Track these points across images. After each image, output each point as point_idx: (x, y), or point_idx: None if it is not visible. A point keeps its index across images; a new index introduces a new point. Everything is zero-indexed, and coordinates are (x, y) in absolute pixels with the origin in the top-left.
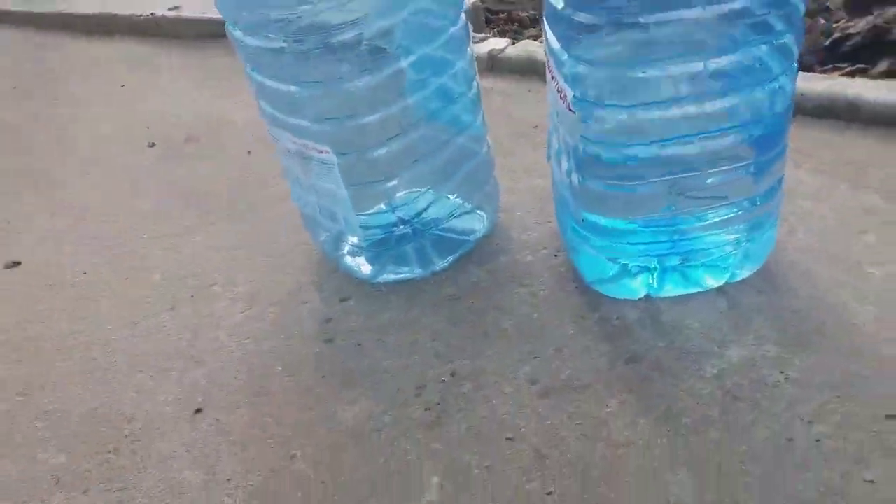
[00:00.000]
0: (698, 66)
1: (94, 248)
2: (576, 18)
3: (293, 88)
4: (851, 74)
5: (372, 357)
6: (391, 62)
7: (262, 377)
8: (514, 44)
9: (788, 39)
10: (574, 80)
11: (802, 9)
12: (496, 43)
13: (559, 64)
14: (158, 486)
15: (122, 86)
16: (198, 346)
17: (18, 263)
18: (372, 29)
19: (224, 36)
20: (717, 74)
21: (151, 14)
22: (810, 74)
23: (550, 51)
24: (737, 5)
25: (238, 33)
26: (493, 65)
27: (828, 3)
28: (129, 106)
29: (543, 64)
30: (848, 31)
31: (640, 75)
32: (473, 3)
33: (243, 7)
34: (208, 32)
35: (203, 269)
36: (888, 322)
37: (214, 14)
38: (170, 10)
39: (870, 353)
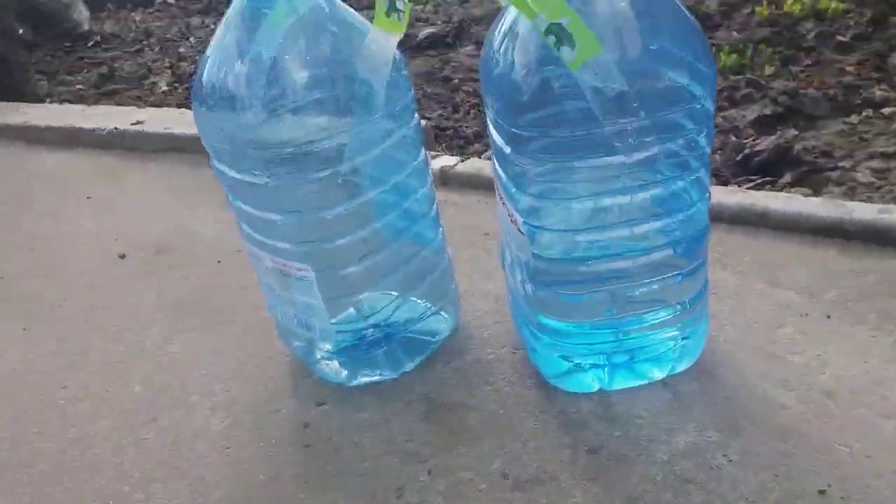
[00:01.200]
0: (626, 199)
1: (72, 360)
2: (518, 164)
3: (274, 216)
4: (761, 186)
5: (350, 460)
6: (362, 192)
7: (245, 485)
8: (463, 160)
9: (702, 174)
10: (522, 210)
11: (709, 151)
12: (447, 160)
13: (508, 194)
14: None
15: (89, 198)
16: (180, 457)
17: None
18: (345, 166)
19: (187, 150)
20: (642, 204)
21: (115, 128)
22: (726, 188)
23: (500, 182)
24: (654, 151)
25: (222, 167)
26: (445, 180)
27: (737, 123)
28: (98, 218)
29: (490, 178)
30: (756, 149)
31: (577, 206)
32: (425, 126)
33: (229, 146)
34: (172, 146)
35: (181, 378)
36: (808, 404)
37: (177, 129)
38: (133, 124)
39: (795, 434)
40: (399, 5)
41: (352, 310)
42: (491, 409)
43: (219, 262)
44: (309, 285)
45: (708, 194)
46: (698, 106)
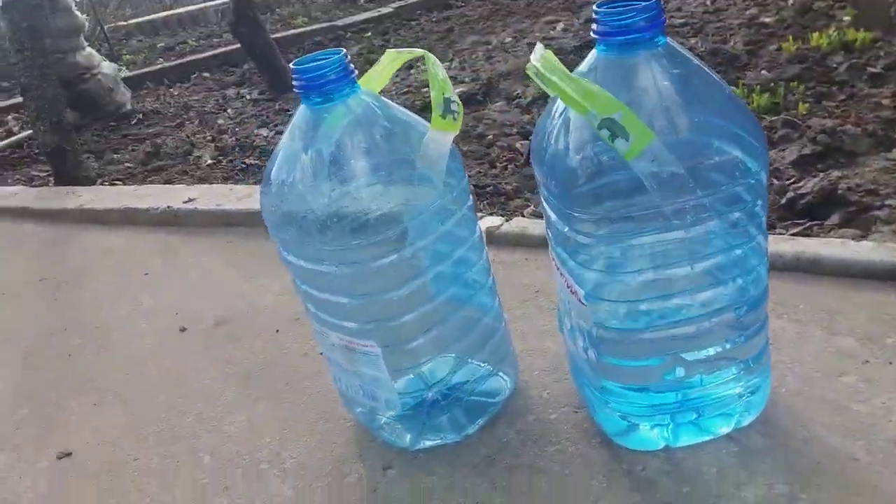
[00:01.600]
0: (686, 268)
1: (142, 437)
2: (577, 238)
3: (343, 300)
4: (808, 230)
5: None
6: (425, 271)
7: None
8: (507, 220)
9: (760, 240)
10: (583, 281)
11: (765, 217)
12: (491, 221)
13: (566, 266)
14: None
15: (146, 274)
16: None
17: (70, 454)
18: (409, 251)
19: (239, 224)
20: (703, 273)
21: (168, 207)
22: (775, 236)
23: (556, 254)
24: (712, 224)
25: (290, 257)
26: (491, 240)
27: (777, 164)
28: (157, 294)
29: (536, 236)
30: (800, 191)
31: (639, 279)
32: None
33: (297, 237)
34: (223, 222)
35: (249, 448)
36: (878, 455)
37: (228, 205)
38: (185, 202)
39: (865, 485)
40: (453, 107)
41: (412, 375)
42: (557, 470)
43: (277, 331)
44: (375, 360)
45: (766, 259)
46: (752, 180)
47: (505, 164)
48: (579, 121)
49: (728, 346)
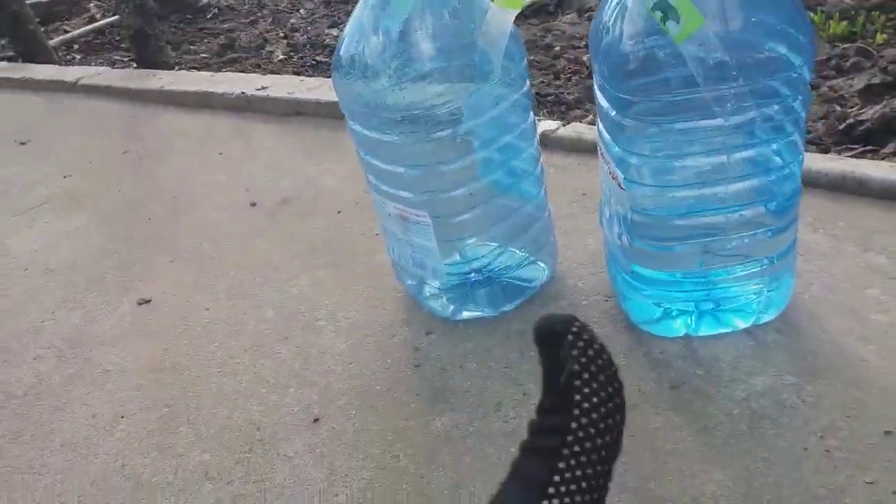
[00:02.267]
0: (723, 158)
1: (213, 291)
2: (623, 125)
3: (400, 169)
4: (862, 154)
5: (455, 380)
6: (475, 150)
7: (366, 394)
8: (564, 125)
9: (796, 137)
10: (623, 166)
11: (805, 115)
12: (548, 125)
13: (610, 152)
14: (289, 480)
15: (220, 154)
16: (310, 369)
17: (149, 301)
18: (463, 127)
19: (308, 114)
20: (738, 164)
21: (242, 93)
22: (826, 156)
23: (602, 140)
24: (751, 115)
25: (357, 126)
26: (547, 143)
27: (843, 92)
28: (229, 172)
29: (590, 142)
30: (860, 118)
31: (677, 164)
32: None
33: (363, 109)
34: (293, 110)
35: (309, 307)
36: (888, 359)
37: (299, 94)
38: (258, 90)
39: (870, 383)
40: None
41: (457, 255)
42: None
43: (339, 212)
44: (425, 229)
45: (801, 157)
46: (795, 74)
47: (569, 75)
48: (633, 9)
49: (755, 239)
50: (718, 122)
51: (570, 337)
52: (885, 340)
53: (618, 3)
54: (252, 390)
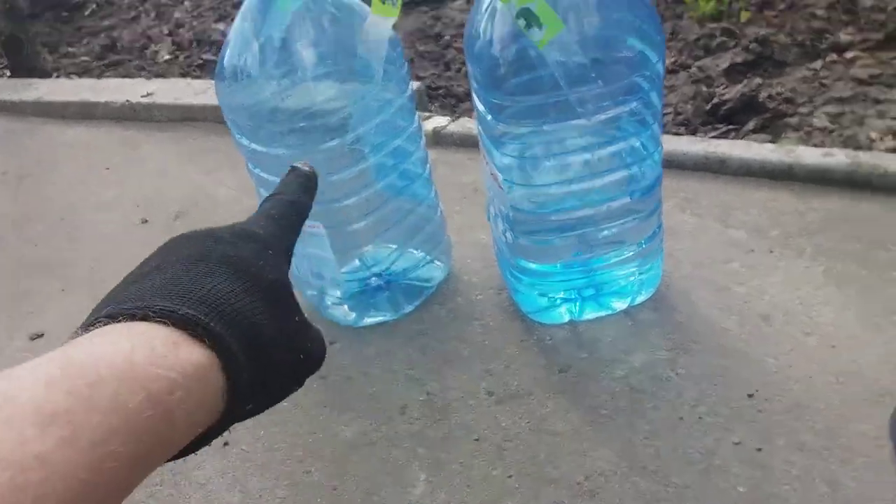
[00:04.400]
0: (589, 155)
1: None
2: (497, 128)
3: None
4: (725, 134)
5: (360, 387)
6: (366, 157)
7: (273, 412)
8: (454, 121)
9: (655, 129)
10: (502, 168)
11: (660, 107)
12: (438, 121)
13: (490, 155)
14: None
15: (107, 168)
16: None
17: (42, 335)
18: (350, 136)
19: (197, 119)
20: (604, 159)
21: (127, 101)
22: (691, 138)
23: (483, 144)
24: (611, 114)
25: (243, 139)
26: (438, 140)
27: (709, 72)
28: (118, 186)
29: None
30: (724, 98)
31: (548, 164)
32: (418, 87)
33: (249, 121)
34: (181, 116)
35: None
36: (747, 327)
37: (186, 100)
38: (143, 97)
39: (733, 351)
40: None
41: (357, 261)
42: (479, 340)
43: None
44: (320, 240)
45: (660, 147)
46: (649, 71)
47: (459, 66)
48: (502, 14)
49: (623, 227)
50: (583, 121)
51: None
52: (745, 310)
53: (486, 10)
54: None
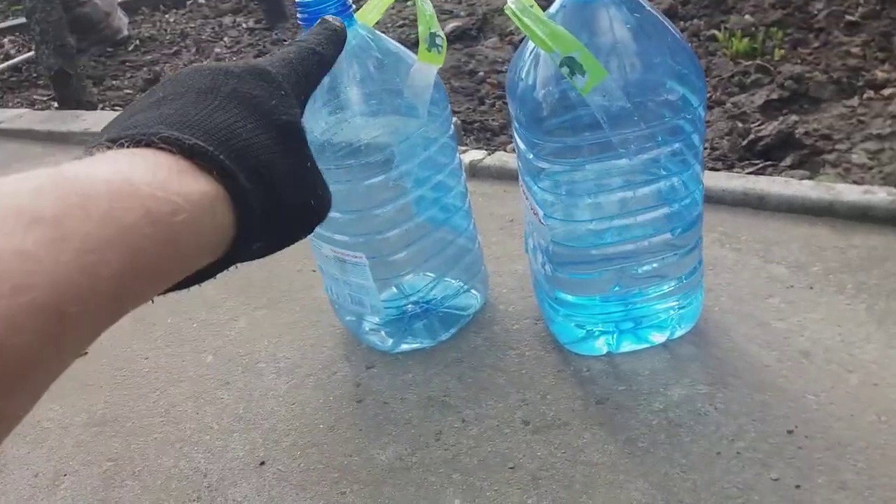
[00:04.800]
0: (630, 193)
1: (151, 339)
2: (539, 166)
3: (335, 214)
4: (763, 170)
5: (397, 411)
6: (408, 192)
7: (309, 433)
8: (490, 154)
9: (697, 168)
10: (542, 203)
11: (701, 147)
12: (475, 154)
13: (531, 191)
14: None
15: None
16: (252, 412)
17: (86, 353)
18: (395, 172)
19: None
20: (645, 197)
21: None
22: (729, 173)
23: (523, 180)
24: (654, 153)
25: None
26: (474, 172)
27: (745, 108)
28: None
29: (514, 169)
30: (760, 134)
31: (590, 201)
32: (454, 122)
33: None
34: None
35: (248, 349)
36: (787, 363)
37: None
38: None
39: (773, 386)
40: (438, 41)
41: (394, 289)
42: (515, 369)
43: None
44: (363, 270)
45: (702, 185)
46: (691, 114)
47: (493, 100)
48: (546, 59)
49: (664, 262)
50: (624, 161)
51: None
52: (784, 346)
53: (530, 54)
54: (196, 438)
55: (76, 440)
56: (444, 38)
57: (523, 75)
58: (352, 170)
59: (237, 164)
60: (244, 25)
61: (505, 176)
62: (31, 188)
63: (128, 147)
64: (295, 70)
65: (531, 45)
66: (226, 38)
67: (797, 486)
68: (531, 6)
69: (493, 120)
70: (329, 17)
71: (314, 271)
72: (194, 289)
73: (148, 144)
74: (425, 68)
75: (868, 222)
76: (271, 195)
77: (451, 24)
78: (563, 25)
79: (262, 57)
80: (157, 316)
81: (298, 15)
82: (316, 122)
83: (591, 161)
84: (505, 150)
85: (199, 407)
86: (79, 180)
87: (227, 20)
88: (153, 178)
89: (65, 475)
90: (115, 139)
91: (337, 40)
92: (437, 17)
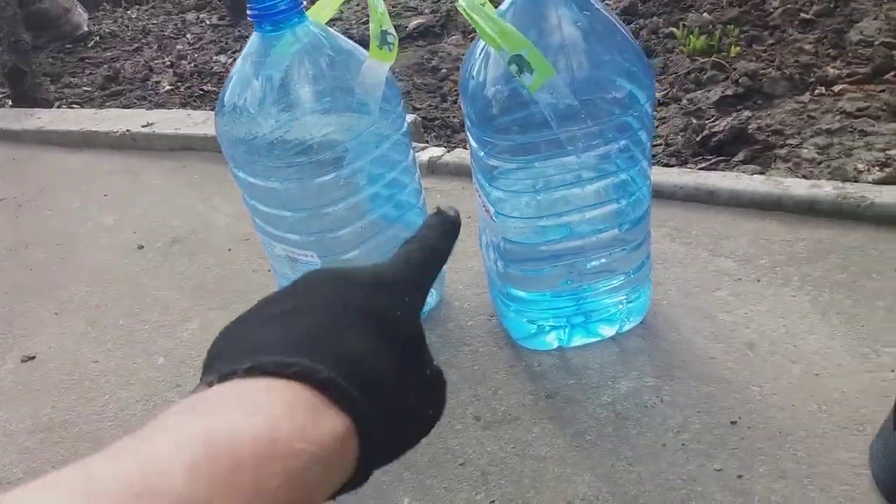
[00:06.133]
0: (579, 190)
1: (101, 342)
2: (489, 164)
3: (285, 213)
4: (715, 165)
5: None
6: (360, 190)
7: None
8: (449, 151)
9: (644, 165)
10: (493, 200)
11: (649, 144)
12: (434, 151)
13: (483, 189)
14: None
15: (106, 195)
16: None
17: (33, 357)
18: (346, 170)
19: (194, 148)
20: (593, 194)
21: (127, 130)
22: (682, 169)
23: (476, 177)
24: (602, 150)
25: (240, 173)
26: (433, 169)
27: (700, 105)
28: (116, 213)
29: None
30: (714, 130)
31: (539, 198)
32: (414, 119)
33: (247, 155)
34: (180, 146)
35: (200, 351)
36: (732, 355)
37: (185, 130)
38: (143, 126)
39: (718, 378)
40: (389, 39)
41: None
42: (468, 365)
43: (229, 249)
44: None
45: (650, 181)
46: (638, 111)
47: (455, 98)
48: (495, 59)
49: (612, 257)
50: (572, 158)
51: None
52: (730, 338)
53: (482, 49)
54: None
55: (20, 447)
56: (396, 35)
57: (474, 73)
58: (303, 167)
59: (366, 395)
60: (207, 22)
61: (464, 173)
62: (186, 466)
63: (263, 378)
64: (416, 271)
65: (482, 42)
66: (188, 35)
67: (739, 476)
68: (482, 4)
69: (454, 117)
70: (443, 207)
71: (269, 270)
72: (147, 290)
73: (281, 375)
74: (377, 65)
75: (815, 216)
76: (394, 421)
77: (415, 21)
78: (513, 23)
79: (387, 261)
80: (108, 318)
81: (248, 11)
82: (266, 120)
83: (541, 159)
84: (464, 148)
85: (149, 410)
86: (226, 448)
87: (191, 16)
88: (292, 426)
89: (8, 483)
90: (252, 370)
91: (454, 232)
92: (402, 13)
